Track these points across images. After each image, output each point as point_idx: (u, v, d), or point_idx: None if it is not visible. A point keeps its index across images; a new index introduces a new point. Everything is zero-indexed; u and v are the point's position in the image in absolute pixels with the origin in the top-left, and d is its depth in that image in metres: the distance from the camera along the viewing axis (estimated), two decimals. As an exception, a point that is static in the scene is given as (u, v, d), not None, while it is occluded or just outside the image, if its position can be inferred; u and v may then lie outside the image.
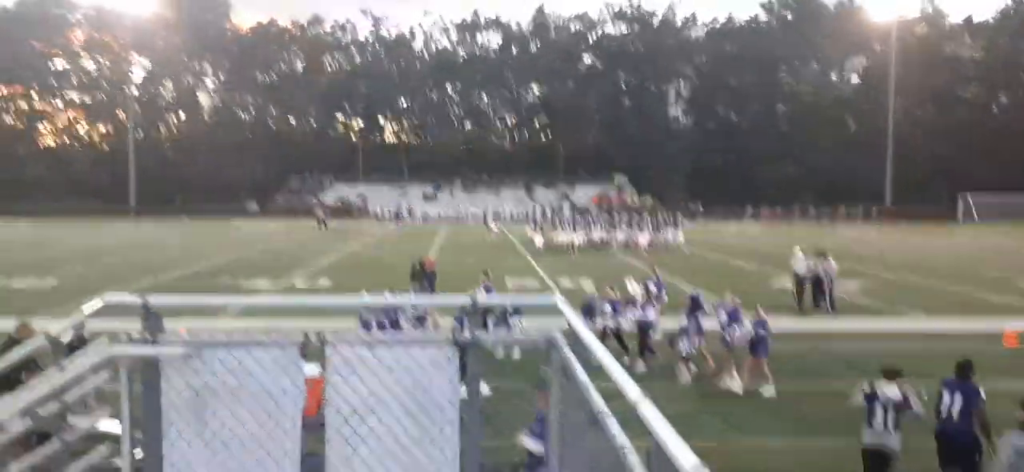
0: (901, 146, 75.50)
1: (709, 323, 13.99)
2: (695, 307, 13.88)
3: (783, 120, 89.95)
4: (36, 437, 5.37)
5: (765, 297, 23.39)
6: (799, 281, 20.84)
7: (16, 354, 4.00)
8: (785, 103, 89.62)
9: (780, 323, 19.11)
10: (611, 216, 44.51)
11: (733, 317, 13.22)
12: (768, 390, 12.63)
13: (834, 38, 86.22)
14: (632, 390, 2.53)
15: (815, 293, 20.73)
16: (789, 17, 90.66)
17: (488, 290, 16.05)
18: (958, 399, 8.03)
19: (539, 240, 39.13)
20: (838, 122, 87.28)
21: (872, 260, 34.49)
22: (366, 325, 12.92)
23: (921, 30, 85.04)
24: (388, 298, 10.86)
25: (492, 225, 42.42)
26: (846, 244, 41.11)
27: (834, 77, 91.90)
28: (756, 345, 12.75)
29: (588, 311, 14.05)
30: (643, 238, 38.30)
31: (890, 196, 75.90)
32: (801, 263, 20.95)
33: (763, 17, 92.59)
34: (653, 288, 15.44)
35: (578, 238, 38.24)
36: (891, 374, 8.36)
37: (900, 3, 76.87)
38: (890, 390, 8.12)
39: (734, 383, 12.79)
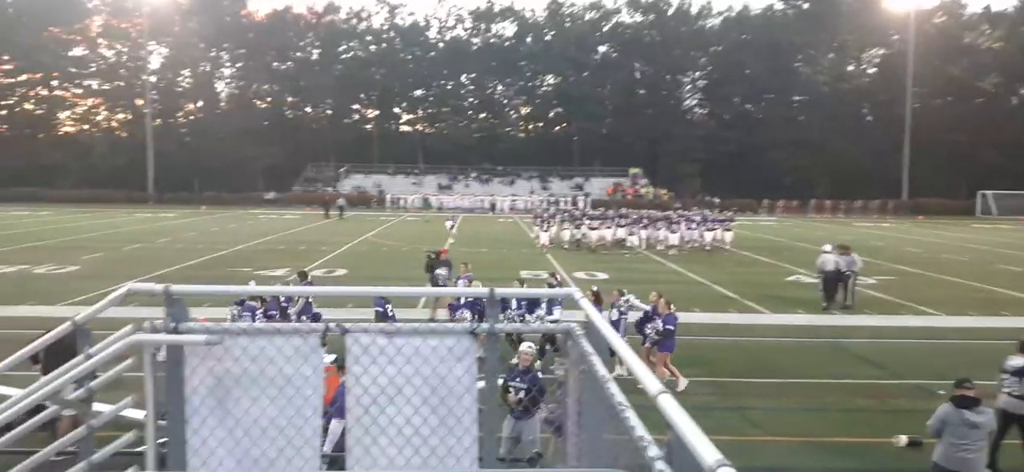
0: (918, 137, 74.60)
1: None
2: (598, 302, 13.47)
3: (799, 110, 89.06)
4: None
5: (781, 292, 23.36)
6: (826, 279, 20.61)
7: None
8: (801, 93, 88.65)
9: (798, 319, 19.10)
10: (634, 213, 41.38)
11: (652, 314, 13.10)
12: (680, 384, 12.53)
13: (851, 27, 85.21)
14: (652, 383, 2.52)
15: (836, 288, 20.62)
16: (805, 5, 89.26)
17: (469, 281, 16.33)
18: None
19: (544, 238, 35.25)
20: (855, 113, 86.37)
21: (890, 255, 34.22)
22: (251, 312, 12.74)
23: (940, 19, 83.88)
24: (278, 288, 10.76)
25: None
26: (863, 238, 40.79)
27: (851, 67, 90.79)
28: (663, 340, 12.76)
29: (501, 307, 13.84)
30: (674, 237, 34.65)
31: (907, 188, 75.12)
32: (830, 262, 20.65)
33: (779, 6, 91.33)
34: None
35: (602, 235, 35.03)
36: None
37: (919, -8, 75.97)
38: (1016, 360, 9.38)
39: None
